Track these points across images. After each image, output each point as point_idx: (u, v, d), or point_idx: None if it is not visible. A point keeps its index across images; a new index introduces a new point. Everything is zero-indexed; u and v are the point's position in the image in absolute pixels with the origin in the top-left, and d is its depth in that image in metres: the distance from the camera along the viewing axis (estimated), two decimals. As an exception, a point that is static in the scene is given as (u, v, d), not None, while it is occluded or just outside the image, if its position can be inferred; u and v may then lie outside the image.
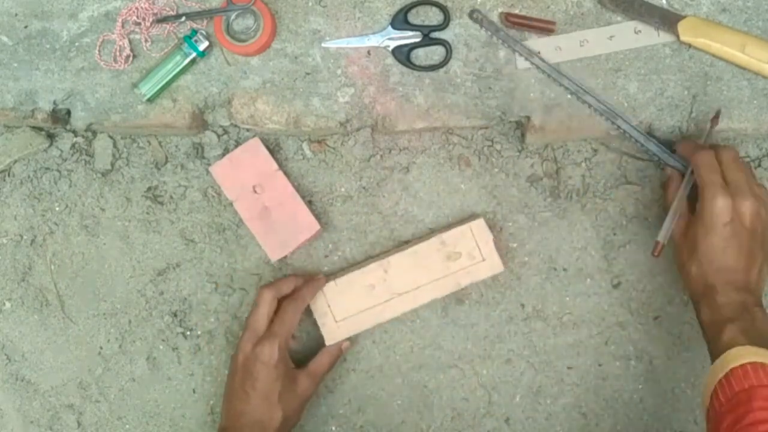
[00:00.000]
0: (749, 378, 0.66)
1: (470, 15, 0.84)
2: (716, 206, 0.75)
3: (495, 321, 0.91)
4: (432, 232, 0.89)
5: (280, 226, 0.87)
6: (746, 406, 0.65)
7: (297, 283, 0.86)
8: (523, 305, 0.91)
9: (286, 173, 0.88)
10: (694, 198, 0.79)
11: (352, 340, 0.89)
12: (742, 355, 0.68)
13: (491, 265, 0.86)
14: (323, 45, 0.85)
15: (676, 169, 0.84)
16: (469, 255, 0.86)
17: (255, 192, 0.87)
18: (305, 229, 0.87)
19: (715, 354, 0.72)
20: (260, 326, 0.82)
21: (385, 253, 0.89)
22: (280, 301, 0.84)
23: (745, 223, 0.75)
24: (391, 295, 0.87)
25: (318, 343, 0.89)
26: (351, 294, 0.87)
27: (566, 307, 0.90)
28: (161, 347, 0.92)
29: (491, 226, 0.88)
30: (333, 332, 0.87)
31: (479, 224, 0.86)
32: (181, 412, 0.93)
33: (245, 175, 0.87)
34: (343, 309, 0.87)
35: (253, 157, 0.87)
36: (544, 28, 0.84)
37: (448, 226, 0.88)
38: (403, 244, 0.89)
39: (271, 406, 0.81)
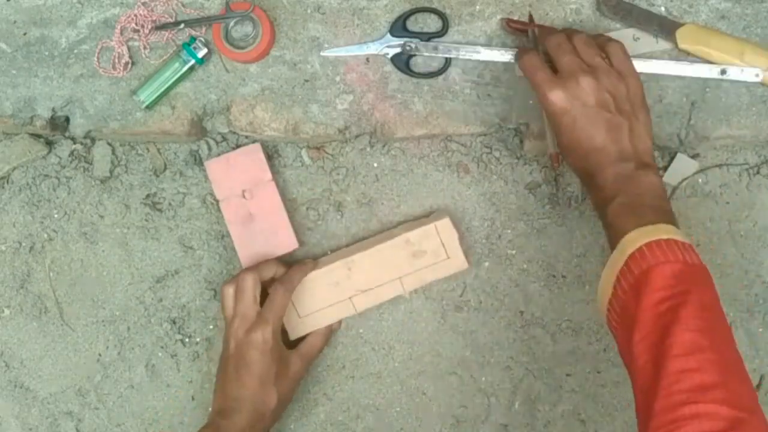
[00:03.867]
0: (646, 258, 0.66)
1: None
2: (549, 102, 0.74)
3: (494, 328, 0.91)
4: (396, 230, 0.89)
5: (260, 236, 0.87)
6: (646, 287, 0.64)
7: (277, 269, 0.85)
8: (521, 312, 0.91)
9: (279, 184, 0.88)
10: None
11: (347, 345, 0.90)
12: (636, 238, 0.67)
13: (456, 263, 0.87)
14: (322, 54, 0.85)
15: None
16: (434, 253, 0.86)
17: (243, 197, 0.87)
18: (283, 246, 0.87)
19: (610, 232, 0.72)
20: (250, 312, 0.81)
21: (350, 249, 0.89)
22: (265, 286, 0.84)
23: (588, 102, 0.74)
24: (354, 292, 0.87)
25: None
26: (315, 291, 0.87)
27: (565, 313, 0.90)
28: (160, 354, 0.92)
29: (489, 234, 0.88)
30: (296, 327, 0.88)
31: (445, 223, 0.86)
32: (179, 419, 0.93)
33: (238, 177, 0.87)
34: (306, 305, 0.87)
35: (250, 161, 0.87)
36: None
37: (413, 225, 0.88)
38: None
39: (267, 390, 0.81)
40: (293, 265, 0.86)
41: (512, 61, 0.84)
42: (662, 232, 0.68)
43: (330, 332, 0.89)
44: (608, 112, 0.74)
